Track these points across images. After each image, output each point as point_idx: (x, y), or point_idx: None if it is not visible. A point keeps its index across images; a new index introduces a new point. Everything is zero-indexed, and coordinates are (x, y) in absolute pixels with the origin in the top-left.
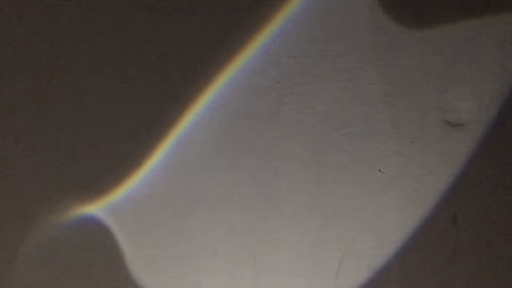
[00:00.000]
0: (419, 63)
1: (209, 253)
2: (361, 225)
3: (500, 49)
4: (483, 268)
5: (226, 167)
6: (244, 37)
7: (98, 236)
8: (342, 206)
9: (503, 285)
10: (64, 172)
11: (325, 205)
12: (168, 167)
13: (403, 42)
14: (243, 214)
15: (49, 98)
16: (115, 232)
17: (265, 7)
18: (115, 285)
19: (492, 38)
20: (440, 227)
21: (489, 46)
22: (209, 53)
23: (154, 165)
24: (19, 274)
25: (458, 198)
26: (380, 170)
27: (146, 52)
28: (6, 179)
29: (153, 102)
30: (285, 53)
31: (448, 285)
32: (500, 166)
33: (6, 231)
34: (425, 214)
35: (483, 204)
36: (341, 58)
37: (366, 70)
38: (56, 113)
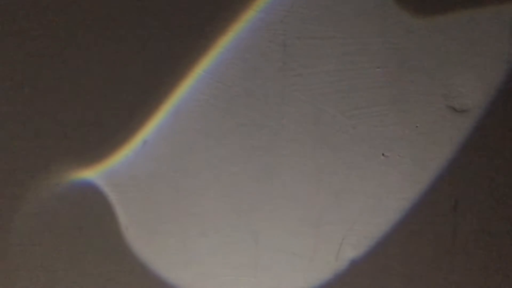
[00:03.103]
0: (426, 48)
1: (210, 232)
2: (362, 208)
3: (507, 36)
4: (483, 255)
5: (229, 147)
6: (250, 15)
7: (98, 208)
8: (344, 188)
9: (502, 272)
10: (67, 144)
11: (327, 187)
12: (171, 142)
13: (410, 27)
14: (245, 193)
15: (52, 72)
16: (115, 205)
17: None
18: (115, 256)
19: (498, 24)
20: (441, 212)
21: (496, 32)
22: (215, 30)
23: (157, 139)
24: (17, 241)
25: (460, 184)
26: (383, 154)
27: (149, 27)
28: (6, 147)
29: (157, 79)
30: (293, 34)
31: (447, 270)
32: (503, 153)
33: (6, 198)
34: (426, 199)
35: (485, 190)
36: (348, 41)
37: (373, 54)
38: (59, 87)
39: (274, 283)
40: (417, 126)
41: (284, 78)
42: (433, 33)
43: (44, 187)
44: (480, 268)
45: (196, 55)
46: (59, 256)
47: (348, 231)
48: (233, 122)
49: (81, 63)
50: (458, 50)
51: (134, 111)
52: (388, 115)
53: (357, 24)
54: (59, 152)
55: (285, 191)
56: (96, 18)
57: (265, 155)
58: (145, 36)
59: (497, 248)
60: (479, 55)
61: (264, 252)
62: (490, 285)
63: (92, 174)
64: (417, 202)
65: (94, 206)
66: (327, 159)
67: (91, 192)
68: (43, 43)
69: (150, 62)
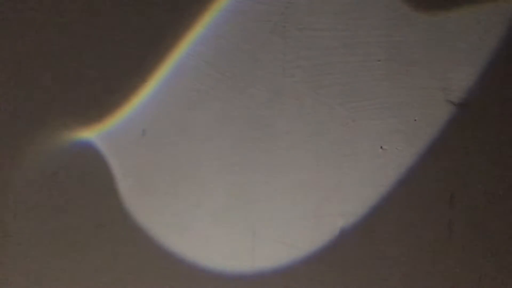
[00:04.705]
0: (426, 42)
1: (208, 222)
2: (360, 200)
3: (506, 30)
4: (478, 248)
5: (228, 137)
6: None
7: (98, 160)
8: (342, 181)
9: (496, 266)
10: (65, 103)
11: (325, 179)
12: (170, 132)
13: (411, 20)
14: (243, 185)
15: (53, 28)
16: (113, 170)
17: None
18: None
19: (498, 18)
20: (437, 206)
21: (495, 26)
22: (215, 21)
23: (156, 129)
24: (18, 196)
25: (457, 178)
26: (381, 147)
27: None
28: (6, 98)
29: (154, 68)
30: (293, 26)
31: (442, 263)
32: (501, 147)
33: (5, 152)
34: (423, 193)
35: (481, 185)
36: (349, 33)
37: (373, 47)
38: (59, 43)
39: (272, 275)
40: (415, 120)
41: (284, 69)
42: (433, 27)
43: (42, 146)
44: (475, 262)
45: (195, 45)
46: (56, 219)
47: (345, 224)
48: (232, 113)
49: (81, 28)
50: (457, 45)
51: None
52: (387, 108)
53: (358, 16)
54: (57, 111)
55: (283, 183)
56: None
57: (264, 146)
58: (147, 22)
59: (493, 242)
60: (479, 50)
61: (261, 243)
62: (486, 279)
63: (90, 136)
64: (414, 196)
65: (92, 170)
66: (326, 152)
67: (88, 155)
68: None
69: (146, 46)
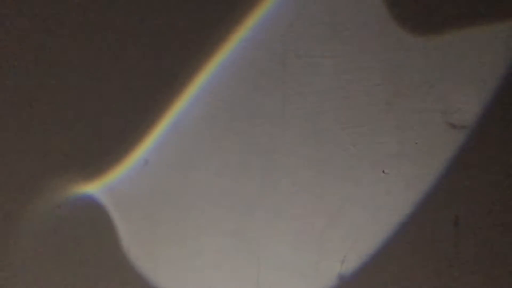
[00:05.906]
0: (423, 65)
1: (214, 250)
2: (363, 225)
3: (504, 51)
4: (484, 271)
5: (229, 164)
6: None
7: (95, 216)
8: (344, 206)
9: (503, 287)
10: (67, 158)
11: (328, 205)
12: (171, 161)
13: (408, 43)
14: (246, 212)
15: (51, 87)
16: (114, 214)
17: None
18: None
19: (496, 40)
20: (442, 228)
21: (493, 47)
22: (214, 49)
23: (157, 158)
24: (19, 252)
25: (460, 200)
26: (383, 171)
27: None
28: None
29: (155, 97)
30: (292, 53)
31: (449, 286)
32: (503, 168)
33: (6, 207)
34: (427, 216)
35: (485, 206)
36: (347, 59)
37: (372, 71)
38: (60, 101)
39: None
40: (416, 143)
41: (283, 96)
42: (431, 50)
43: (43, 204)
44: (482, 283)
45: (195, 73)
46: (59, 274)
47: (349, 249)
48: (233, 140)
49: (82, 79)
50: (455, 67)
51: (133, 128)
52: (387, 132)
53: (356, 41)
54: (59, 167)
55: (286, 209)
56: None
57: (266, 173)
58: (143, 53)
59: (499, 263)
60: (476, 72)
61: (265, 270)
62: None
63: (92, 189)
64: (418, 218)
65: (93, 221)
66: (327, 176)
67: (91, 207)
68: (46, 54)
69: (148, 79)
